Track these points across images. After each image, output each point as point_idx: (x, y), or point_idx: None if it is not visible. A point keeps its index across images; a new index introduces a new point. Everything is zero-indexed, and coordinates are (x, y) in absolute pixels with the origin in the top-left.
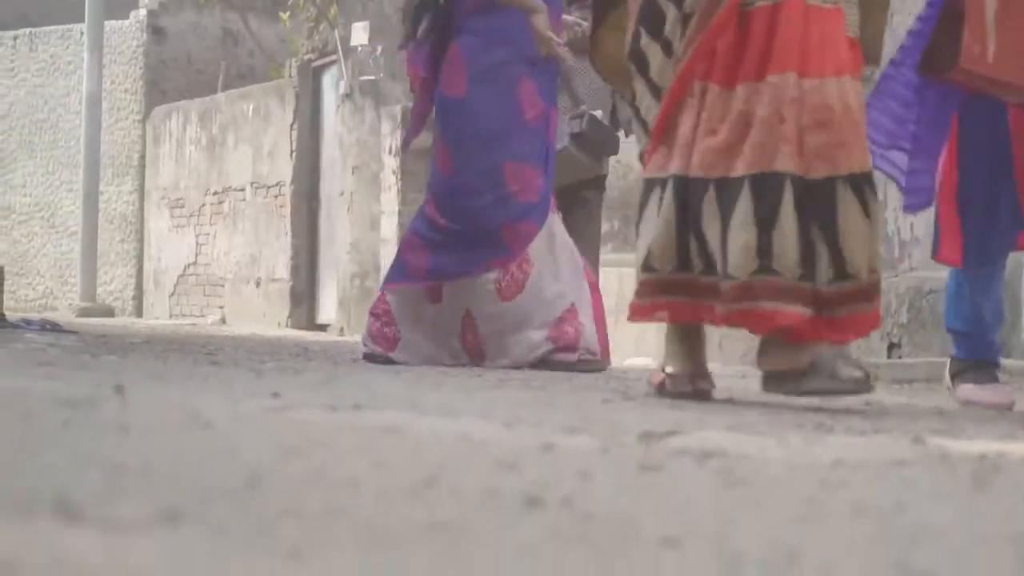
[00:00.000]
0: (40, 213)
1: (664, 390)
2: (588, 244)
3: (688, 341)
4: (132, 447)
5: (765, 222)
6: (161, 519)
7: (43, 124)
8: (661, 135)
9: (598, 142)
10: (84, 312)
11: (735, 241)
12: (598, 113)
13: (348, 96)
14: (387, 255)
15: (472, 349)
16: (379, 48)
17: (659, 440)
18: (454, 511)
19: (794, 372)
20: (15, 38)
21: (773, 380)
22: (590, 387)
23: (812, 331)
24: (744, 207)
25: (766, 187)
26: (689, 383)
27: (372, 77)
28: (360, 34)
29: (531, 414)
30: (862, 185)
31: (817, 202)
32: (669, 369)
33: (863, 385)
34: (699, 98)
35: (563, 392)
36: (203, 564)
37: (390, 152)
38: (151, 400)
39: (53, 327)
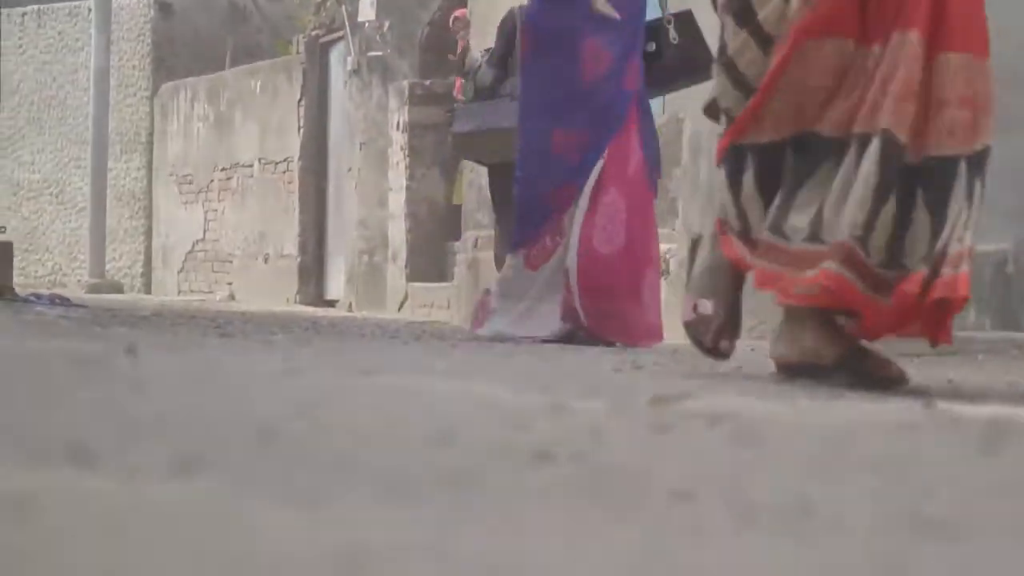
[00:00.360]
0: (49, 190)
1: (689, 329)
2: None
3: (729, 279)
4: (145, 402)
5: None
6: (177, 466)
7: (51, 101)
8: (772, 91)
9: None
10: (93, 288)
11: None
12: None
13: (355, 72)
14: (395, 231)
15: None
16: (386, 24)
17: (670, 403)
18: (466, 464)
19: (818, 365)
20: (23, 15)
21: (791, 371)
22: (601, 358)
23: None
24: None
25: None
26: (713, 336)
27: (379, 53)
28: (367, 10)
29: (541, 380)
30: (976, 169)
31: (932, 180)
32: (701, 307)
33: (897, 385)
34: (828, 52)
35: (573, 362)
36: (220, 506)
37: (398, 128)
38: (163, 361)
39: (62, 301)
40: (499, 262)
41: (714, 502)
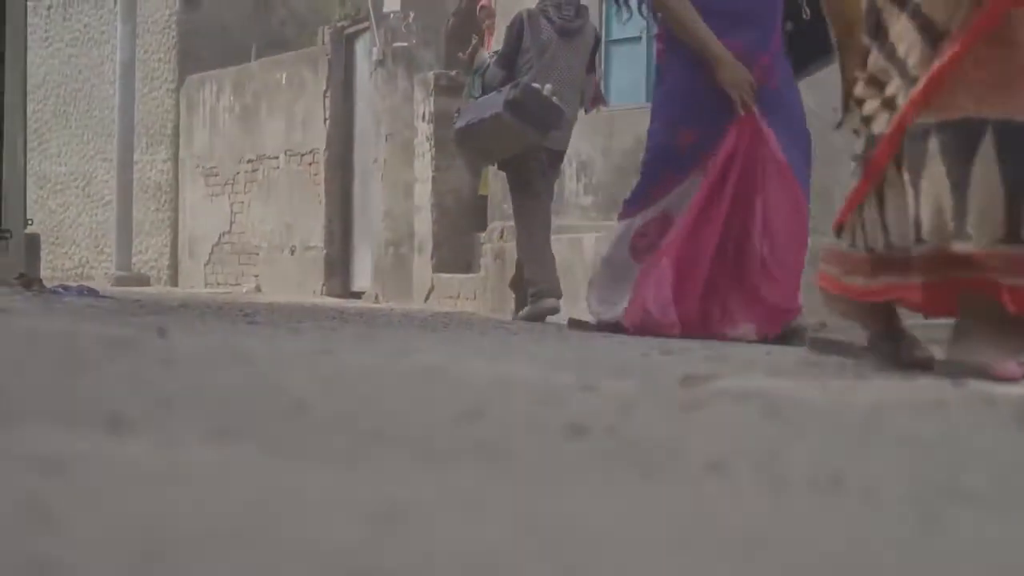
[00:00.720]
0: (75, 183)
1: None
2: (533, 224)
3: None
4: (177, 378)
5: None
6: (211, 435)
7: (77, 94)
8: (943, 75)
9: (536, 112)
10: (119, 281)
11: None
12: (547, 88)
13: (381, 63)
14: (421, 222)
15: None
16: (412, 15)
17: (699, 383)
18: (498, 436)
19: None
20: (49, 8)
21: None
22: (627, 343)
23: None
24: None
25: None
26: (903, 349)
27: (405, 44)
28: (392, 0)
29: (570, 362)
30: None
31: None
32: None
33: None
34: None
35: (601, 347)
36: (258, 468)
37: (423, 119)
38: (193, 342)
39: (90, 292)
40: (524, 256)
41: (747, 473)
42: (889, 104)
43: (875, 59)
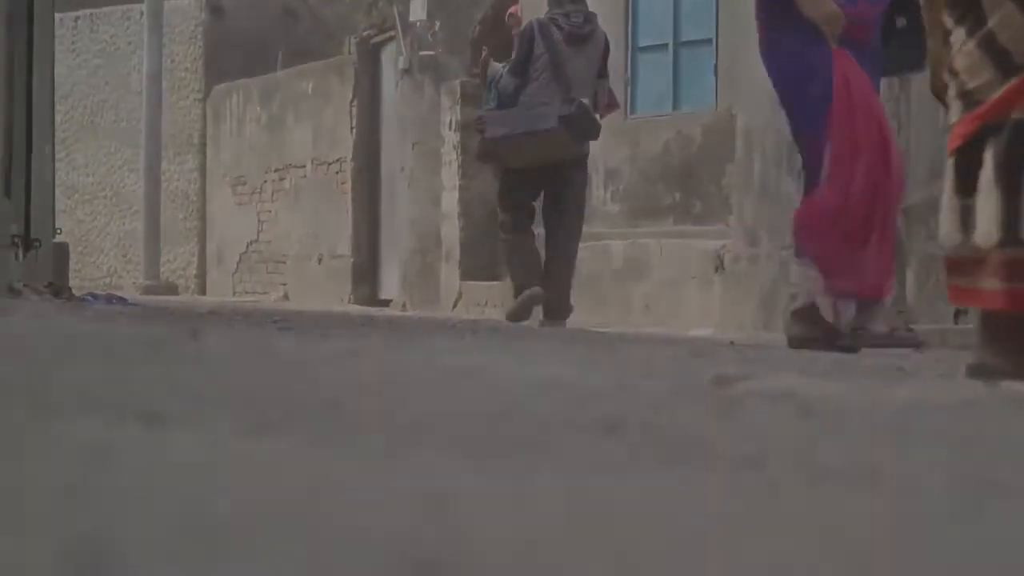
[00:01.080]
0: (103, 192)
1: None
2: (574, 218)
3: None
4: (212, 378)
5: None
6: (250, 430)
7: (104, 104)
8: None
9: (583, 126)
10: (148, 289)
11: None
12: (585, 100)
13: (407, 72)
14: (448, 230)
15: None
16: (437, 23)
17: (731, 383)
18: (535, 433)
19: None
20: (76, 19)
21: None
22: (658, 345)
23: None
24: None
25: None
26: None
27: (431, 52)
28: (418, 9)
29: (601, 363)
30: None
31: None
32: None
33: None
34: None
35: (630, 349)
36: (298, 460)
37: (450, 127)
38: (226, 345)
39: (119, 300)
40: (512, 270)
41: (784, 467)
42: (975, 93)
43: (966, 45)
